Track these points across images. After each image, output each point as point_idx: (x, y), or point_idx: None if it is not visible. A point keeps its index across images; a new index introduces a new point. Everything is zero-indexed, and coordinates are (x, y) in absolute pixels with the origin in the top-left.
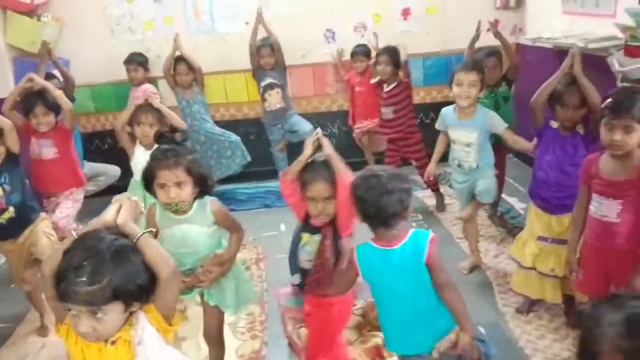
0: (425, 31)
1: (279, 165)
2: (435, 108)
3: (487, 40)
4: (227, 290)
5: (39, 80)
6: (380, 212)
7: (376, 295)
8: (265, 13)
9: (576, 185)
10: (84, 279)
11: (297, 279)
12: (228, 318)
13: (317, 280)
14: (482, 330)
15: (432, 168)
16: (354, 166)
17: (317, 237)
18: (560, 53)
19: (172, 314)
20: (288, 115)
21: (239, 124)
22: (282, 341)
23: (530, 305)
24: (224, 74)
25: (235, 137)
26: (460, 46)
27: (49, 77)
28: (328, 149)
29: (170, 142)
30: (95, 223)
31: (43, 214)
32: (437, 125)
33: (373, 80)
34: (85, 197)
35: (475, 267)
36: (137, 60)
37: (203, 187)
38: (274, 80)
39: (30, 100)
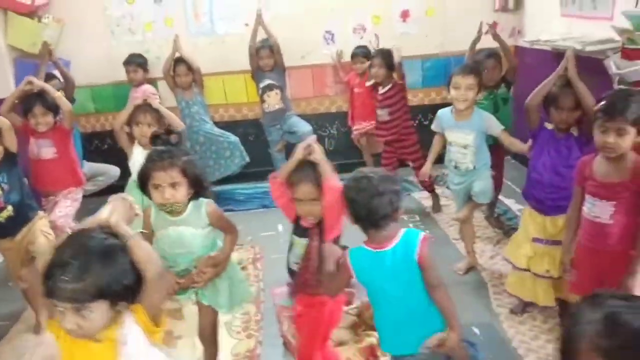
0: (424, 33)
1: (277, 166)
2: (433, 110)
3: (488, 42)
4: (221, 290)
5: (38, 83)
6: (371, 214)
7: (371, 296)
8: (264, 14)
9: (570, 187)
10: (69, 276)
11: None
12: (224, 317)
13: (304, 283)
14: (476, 330)
15: (427, 169)
16: (352, 167)
17: (304, 241)
18: (558, 55)
19: (159, 315)
20: (287, 116)
21: (238, 124)
22: (277, 340)
23: (524, 306)
24: (223, 75)
25: (234, 138)
26: (459, 48)
27: (50, 77)
28: (318, 155)
29: (165, 144)
30: (89, 222)
31: (41, 213)
32: (434, 127)
33: (368, 83)
34: (84, 197)
35: (471, 268)
36: (136, 62)
37: (198, 188)
38: (272, 82)
39: (29, 101)
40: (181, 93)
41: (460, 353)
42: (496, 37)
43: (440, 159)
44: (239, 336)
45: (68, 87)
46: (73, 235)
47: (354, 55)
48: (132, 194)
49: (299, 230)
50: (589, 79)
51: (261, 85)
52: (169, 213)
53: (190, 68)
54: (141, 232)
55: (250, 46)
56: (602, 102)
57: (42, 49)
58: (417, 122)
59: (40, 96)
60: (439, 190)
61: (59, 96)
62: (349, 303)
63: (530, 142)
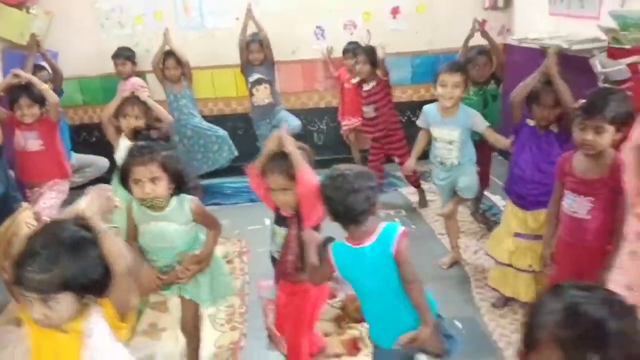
0: (414, 30)
1: None
2: (422, 106)
3: (479, 39)
4: (202, 284)
5: (25, 75)
6: (348, 211)
7: (354, 290)
8: (255, 9)
9: (551, 183)
10: (37, 266)
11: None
12: (207, 310)
13: (284, 271)
14: (458, 324)
15: (411, 163)
16: (341, 162)
17: (284, 230)
18: (546, 53)
19: (127, 310)
20: (276, 110)
21: (227, 118)
22: (262, 333)
23: (505, 300)
24: (213, 69)
25: (222, 132)
26: (448, 45)
27: (38, 68)
28: (289, 145)
29: (146, 139)
30: (67, 212)
31: (25, 204)
32: (419, 122)
33: (354, 80)
34: (72, 189)
35: (455, 263)
36: (124, 55)
37: (179, 183)
38: (262, 76)
39: (15, 92)
40: (170, 86)
41: (434, 346)
42: (484, 34)
43: (425, 155)
44: (222, 328)
45: (56, 79)
46: (46, 225)
47: (345, 51)
48: (118, 186)
49: (280, 219)
50: (574, 77)
51: (250, 79)
52: (150, 208)
53: (179, 61)
54: (114, 227)
55: (241, 40)
56: (583, 100)
57: (30, 40)
58: (405, 118)
59: (27, 88)
60: (425, 185)
61: (45, 88)
62: (333, 296)
63: (512, 137)
